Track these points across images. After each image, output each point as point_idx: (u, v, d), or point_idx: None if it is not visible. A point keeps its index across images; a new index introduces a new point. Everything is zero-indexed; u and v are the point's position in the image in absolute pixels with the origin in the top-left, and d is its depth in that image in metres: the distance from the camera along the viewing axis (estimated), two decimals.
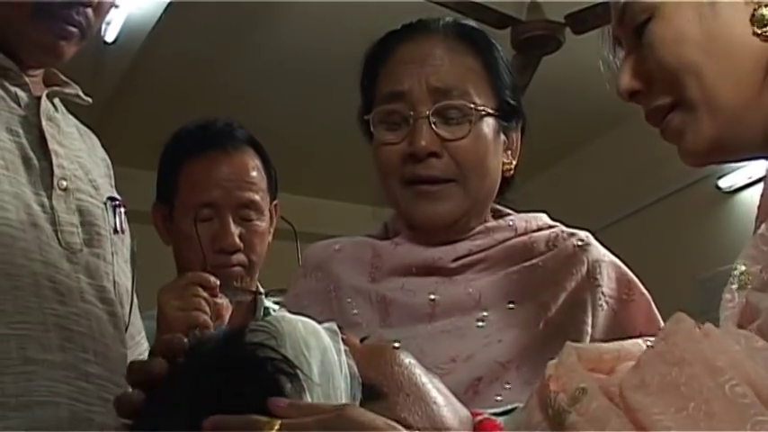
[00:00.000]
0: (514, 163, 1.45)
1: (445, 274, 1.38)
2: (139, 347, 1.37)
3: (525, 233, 1.42)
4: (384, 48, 1.44)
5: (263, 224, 1.92)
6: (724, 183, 5.04)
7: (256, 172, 1.92)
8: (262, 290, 1.98)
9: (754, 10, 0.97)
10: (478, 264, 1.39)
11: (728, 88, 0.97)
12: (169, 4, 4.06)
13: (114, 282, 1.26)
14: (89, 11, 1.23)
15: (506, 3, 4.03)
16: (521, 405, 1.06)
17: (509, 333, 1.33)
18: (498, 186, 1.43)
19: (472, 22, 1.50)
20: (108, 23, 4.00)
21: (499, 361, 1.30)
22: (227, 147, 1.91)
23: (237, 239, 1.87)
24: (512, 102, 1.43)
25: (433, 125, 1.35)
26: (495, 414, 1.06)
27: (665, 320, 1.41)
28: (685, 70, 0.98)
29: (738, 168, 4.81)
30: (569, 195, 5.33)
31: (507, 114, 1.42)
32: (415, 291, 1.37)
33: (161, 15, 4.14)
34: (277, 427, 0.87)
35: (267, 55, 4.74)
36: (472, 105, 1.36)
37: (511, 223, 1.43)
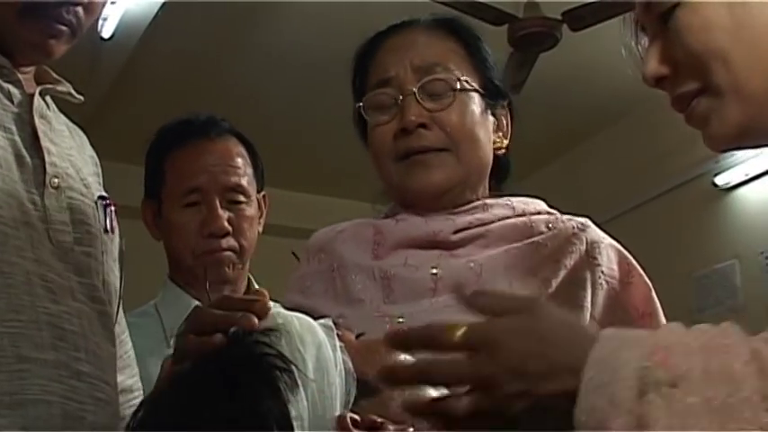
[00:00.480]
0: (506, 143, 1.50)
1: (446, 247, 1.41)
2: (124, 345, 1.37)
3: (524, 214, 1.45)
4: (370, 45, 1.51)
5: (250, 209, 1.93)
6: (720, 180, 5.04)
7: (241, 158, 1.94)
8: (256, 285, 1.99)
9: None
10: (479, 238, 1.42)
11: (756, 75, 0.97)
12: (166, 0, 4.06)
13: (104, 281, 1.26)
14: (79, 9, 1.22)
15: (504, 0, 4.04)
16: None
17: None
18: (492, 165, 1.48)
19: (452, 17, 1.54)
20: (105, 19, 4.00)
21: None
22: (210, 134, 1.93)
23: (226, 223, 1.88)
24: (494, 81, 1.49)
25: (420, 100, 1.42)
26: None
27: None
28: (713, 57, 0.98)
29: (735, 165, 4.82)
30: (566, 192, 5.32)
31: (492, 93, 1.48)
32: (418, 266, 1.39)
33: (158, 12, 4.14)
34: (460, 332, 0.84)
35: (264, 51, 4.74)
36: (455, 77, 1.43)
37: (509, 202, 1.47)
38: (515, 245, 1.41)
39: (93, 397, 1.17)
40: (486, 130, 1.46)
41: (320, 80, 4.78)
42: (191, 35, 4.53)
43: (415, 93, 1.42)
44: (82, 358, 1.16)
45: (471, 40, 1.50)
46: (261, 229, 2.00)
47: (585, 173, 5.79)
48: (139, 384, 1.39)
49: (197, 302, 1.73)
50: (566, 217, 1.46)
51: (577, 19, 4.05)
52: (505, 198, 1.49)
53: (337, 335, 1.00)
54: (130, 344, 1.40)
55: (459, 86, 1.43)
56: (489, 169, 1.49)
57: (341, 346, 0.98)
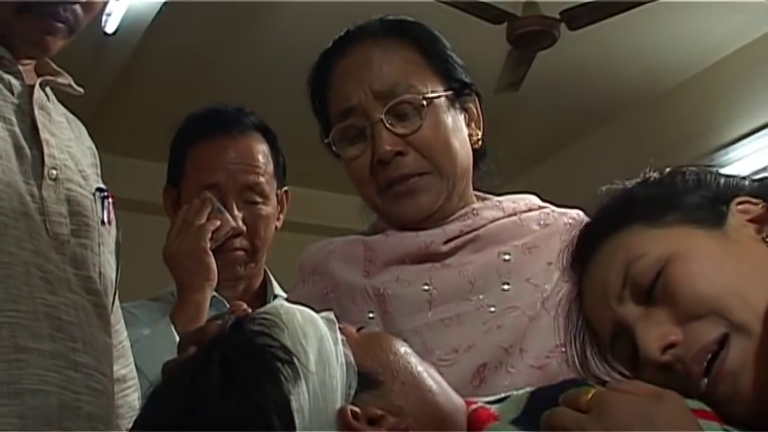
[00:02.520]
0: (480, 133, 1.46)
1: (438, 258, 1.38)
2: (119, 336, 1.37)
3: (515, 213, 1.43)
4: (323, 69, 1.46)
5: (267, 208, 1.92)
6: None
7: (262, 156, 1.92)
8: (272, 278, 2.01)
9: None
10: (470, 243, 1.40)
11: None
12: None
13: (100, 272, 1.25)
14: (77, 7, 1.21)
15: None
16: (515, 392, 1.08)
17: (508, 316, 1.33)
18: (471, 161, 1.45)
19: (401, 17, 1.49)
20: (108, 15, 4.00)
21: (502, 346, 1.30)
22: (232, 131, 1.91)
23: (241, 222, 1.88)
24: (458, 77, 1.44)
25: (389, 126, 1.37)
26: (489, 402, 1.07)
27: None
28: (727, 294, 0.96)
29: (731, 163, 4.82)
30: (562, 190, 5.30)
31: (457, 90, 1.43)
32: (410, 281, 1.37)
33: (161, 7, 4.14)
34: (590, 395, 0.92)
35: (266, 48, 4.74)
36: (420, 96, 1.38)
37: (498, 203, 1.44)
38: (506, 247, 1.38)
39: (89, 387, 1.17)
40: (461, 132, 1.42)
41: None
42: (194, 31, 4.54)
43: (382, 120, 1.37)
44: (79, 349, 1.16)
45: (426, 43, 1.44)
46: (280, 224, 1.99)
47: (582, 171, 5.78)
48: (134, 374, 1.40)
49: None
50: (559, 211, 1.45)
51: (575, 18, 4.07)
52: (495, 200, 1.46)
53: (339, 328, 1.00)
54: (125, 334, 1.41)
55: (425, 102, 1.38)
56: (472, 169, 1.45)
57: (342, 339, 0.98)
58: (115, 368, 1.29)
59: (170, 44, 4.60)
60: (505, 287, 1.35)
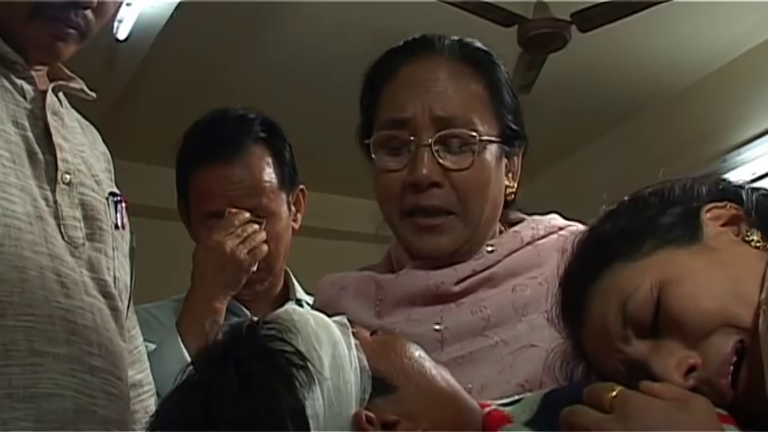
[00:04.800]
0: (516, 186, 1.41)
1: (450, 299, 1.34)
2: (135, 341, 1.37)
3: (532, 241, 1.38)
4: (386, 68, 1.39)
5: (278, 223, 1.88)
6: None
7: (266, 174, 1.87)
8: (295, 282, 1.99)
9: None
10: (484, 282, 1.35)
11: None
12: (180, 2, 4.07)
13: (114, 276, 1.26)
14: (88, 12, 1.21)
15: (513, 1, 4.04)
16: (528, 394, 1.09)
17: (523, 354, 1.28)
18: (500, 212, 1.39)
19: (477, 42, 1.43)
20: (120, 21, 4.02)
21: (518, 383, 1.25)
22: (232, 157, 1.85)
23: None
24: (514, 126, 1.39)
25: (435, 153, 1.32)
26: (502, 405, 1.07)
27: None
28: (729, 301, 0.96)
29: (743, 164, 4.81)
30: (574, 192, 5.32)
31: (510, 139, 1.38)
32: (421, 320, 1.33)
33: (172, 13, 4.16)
34: (614, 393, 0.91)
35: (276, 53, 4.75)
36: (475, 134, 1.32)
37: (517, 232, 1.39)
38: (520, 280, 1.34)
39: (104, 391, 1.17)
40: (499, 182, 1.37)
41: (331, 82, 4.81)
42: (205, 37, 4.56)
43: (431, 145, 1.31)
44: (94, 353, 1.17)
45: (495, 80, 1.38)
46: (297, 225, 1.96)
47: (594, 173, 5.77)
48: (150, 379, 1.40)
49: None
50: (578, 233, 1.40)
51: (586, 20, 4.05)
52: (513, 229, 1.40)
53: (352, 332, 1.00)
54: (141, 339, 1.41)
55: (478, 146, 1.32)
56: (498, 217, 1.40)
57: (356, 344, 0.98)
58: (131, 373, 1.30)
59: (181, 50, 4.61)
60: (522, 322, 1.30)
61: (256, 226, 1.80)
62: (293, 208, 1.95)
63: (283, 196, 1.91)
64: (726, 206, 1.04)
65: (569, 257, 1.09)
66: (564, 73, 4.58)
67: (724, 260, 0.99)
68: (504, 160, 1.38)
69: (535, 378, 1.23)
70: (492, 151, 1.35)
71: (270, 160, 1.90)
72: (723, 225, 1.02)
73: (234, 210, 1.81)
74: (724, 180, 1.10)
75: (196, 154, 1.90)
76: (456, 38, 1.42)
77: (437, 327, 1.31)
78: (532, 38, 4.08)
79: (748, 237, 1.01)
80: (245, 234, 1.78)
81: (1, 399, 1.08)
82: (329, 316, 1.03)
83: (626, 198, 1.10)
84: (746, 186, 1.08)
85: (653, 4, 3.96)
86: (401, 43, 1.42)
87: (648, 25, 4.33)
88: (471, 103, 1.35)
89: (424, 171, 1.31)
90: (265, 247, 1.80)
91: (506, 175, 1.39)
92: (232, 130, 1.90)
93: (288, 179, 1.93)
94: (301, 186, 1.98)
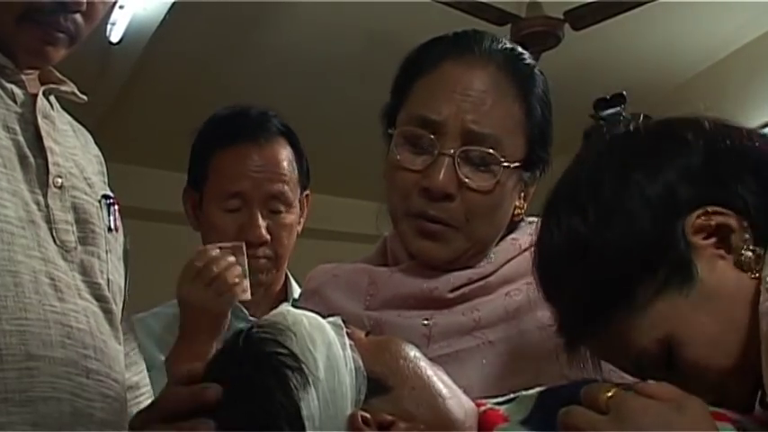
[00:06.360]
0: (525, 206, 1.38)
1: (443, 305, 1.32)
2: (131, 343, 1.37)
3: (529, 247, 1.32)
4: (428, 57, 1.35)
5: (291, 216, 1.91)
6: None
7: (287, 163, 1.91)
8: (293, 282, 1.99)
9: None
10: (479, 291, 1.33)
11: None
12: (173, 4, 4.08)
13: (108, 279, 1.26)
14: (77, 16, 1.21)
15: (506, 0, 4.07)
16: (524, 393, 1.09)
17: (512, 358, 1.27)
18: (503, 232, 1.37)
19: (526, 55, 1.39)
20: (113, 24, 4.02)
21: (501, 385, 1.22)
22: (258, 138, 1.89)
23: (265, 231, 1.86)
24: (542, 152, 1.37)
25: (457, 166, 1.28)
26: (498, 403, 1.08)
27: None
28: (743, 351, 0.97)
29: None
30: None
31: (533, 165, 1.35)
32: (411, 316, 1.31)
33: (165, 16, 4.16)
34: (610, 393, 0.91)
35: (271, 55, 4.76)
36: (502, 159, 1.29)
37: (515, 239, 1.37)
38: (514, 286, 1.32)
39: (101, 394, 1.17)
40: (511, 205, 1.35)
41: (327, 83, 4.81)
42: (198, 39, 4.56)
43: (454, 155, 1.28)
44: (90, 355, 1.17)
45: (535, 104, 1.35)
46: (300, 229, 1.97)
47: None
48: (146, 381, 1.39)
49: None
50: None
51: (579, 18, 4.07)
52: (510, 236, 1.38)
53: (347, 333, 1.00)
54: (136, 341, 1.41)
55: (501, 172, 1.29)
56: (500, 235, 1.37)
57: (351, 345, 0.98)
58: (128, 375, 1.30)
59: (175, 52, 4.61)
60: (512, 325, 1.29)
61: (231, 258, 1.68)
62: (300, 211, 1.96)
63: (298, 192, 1.93)
64: (711, 212, 0.99)
65: (563, 309, 1.07)
66: (557, 71, 4.53)
67: (725, 305, 0.97)
68: (522, 184, 1.35)
69: (521, 382, 1.20)
70: (513, 177, 1.32)
71: (290, 154, 1.93)
72: (706, 238, 0.99)
73: (201, 247, 1.74)
74: (712, 162, 1.03)
75: (221, 136, 1.91)
76: (508, 45, 1.37)
77: (425, 322, 1.30)
78: (525, 36, 4.09)
79: (742, 256, 0.98)
80: (211, 275, 1.66)
81: None
82: (322, 316, 1.03)
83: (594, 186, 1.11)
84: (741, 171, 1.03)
85: (646, 2, 3.97)
86: (450, 34, 1.38)
87: (641, 23, 4.34)
88: (506, 123, 1.31)
89: (441, 181, 1.28)
90: (244, 286, 1.68)
91: (519, 198, 1.37)
92: (257, 118, 1.94)
93: (303, 179, 1.96)
94: (307, 192, 1.99)
